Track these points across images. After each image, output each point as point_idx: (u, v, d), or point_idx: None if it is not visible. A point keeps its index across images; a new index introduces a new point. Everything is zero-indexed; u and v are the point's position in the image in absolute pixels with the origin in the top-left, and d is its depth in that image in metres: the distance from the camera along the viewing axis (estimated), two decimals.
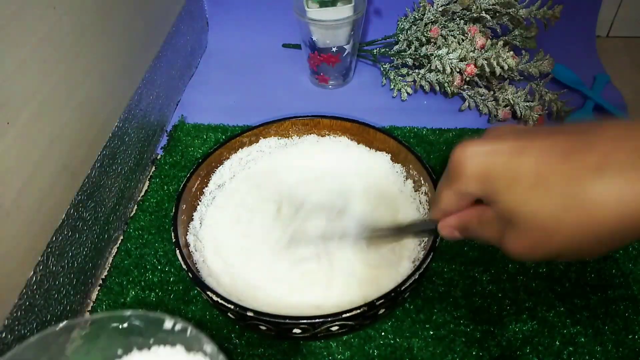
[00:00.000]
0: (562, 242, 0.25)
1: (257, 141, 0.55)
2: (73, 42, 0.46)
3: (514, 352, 0.44)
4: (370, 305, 0.38)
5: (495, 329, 0.46)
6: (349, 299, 0.44)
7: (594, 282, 0.48)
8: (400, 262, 0.47)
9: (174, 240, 0.44)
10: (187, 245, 0.47)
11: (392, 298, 0.39)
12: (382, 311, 0.40)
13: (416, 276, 0.40)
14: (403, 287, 0.39)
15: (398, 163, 0.53)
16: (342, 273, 0.46)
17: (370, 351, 0.45)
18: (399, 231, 0.44)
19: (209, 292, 0.39)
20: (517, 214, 0.26)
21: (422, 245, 0.46)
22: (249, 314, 0.38)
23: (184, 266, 0.42)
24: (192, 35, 0.76)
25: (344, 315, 0.38)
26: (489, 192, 0.28)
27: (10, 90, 0.38)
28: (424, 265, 0.40)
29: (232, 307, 0.38)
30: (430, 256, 0.41)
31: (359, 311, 0.38)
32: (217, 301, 0.39)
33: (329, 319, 0.38)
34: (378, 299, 0.38)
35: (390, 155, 0.54)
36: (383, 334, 0.46)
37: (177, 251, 0.43)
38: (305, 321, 0.38)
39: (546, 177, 0.25)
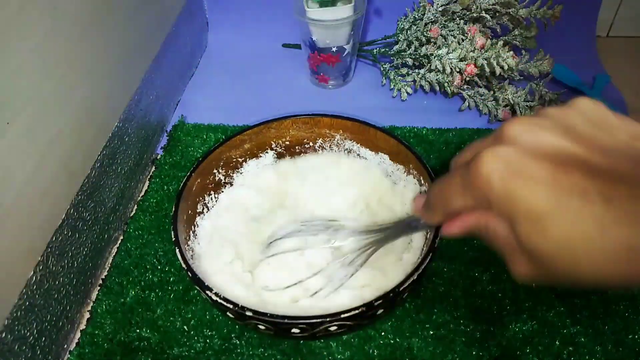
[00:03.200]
0: (571, 281, 0.23)
1: (257, 156, 0.56)
2: (73, 42, 0.46)
3: (514, 352, 0.44)
4: (369, 306, 0.38)
5: (495, 329, 0.46)
6: (348, 298, 0.44)
7: None
8: (399, 262, 0.47)
9: (174, 239, 0.44)
10: (187, 244, 0.47)
11: (391, 299, 0.39)
12: (380, 312, 0.40)
13: (414, 277, 0.40)
14: (401, 288, 0.39)
15: (398, 163, 0.53)
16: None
17: (370, 351, 0.45)
18: (392, 233, 0.42)
19: (208, 292, 0.39)
20: (535, 251, 0.23)
21: (424, 243, 0.46)
22: (248, 313, 0.38)
23: (184, 265, 0.42)
24: (192, 35, 0.76)
25: (342, 316, 0.38)
26: (509, 217, 0.24)
27: (10, 90, 0.38)
28: (423, 266, 0.40)
29: (232, 306, 0.38)
30: (429, 257, 0.41)
31: (357, 311, 0.38)
32: (217, 301, 0.39)
33: (328, 319, 0.38)
34: (376, 299, 0.38)
35: (389, 155, 0.54)
36: (383, 333, 0.46)
37: (177, 250, 0.43)
38: (303, 321, 0.38)
39: (582, 237, 0.22)
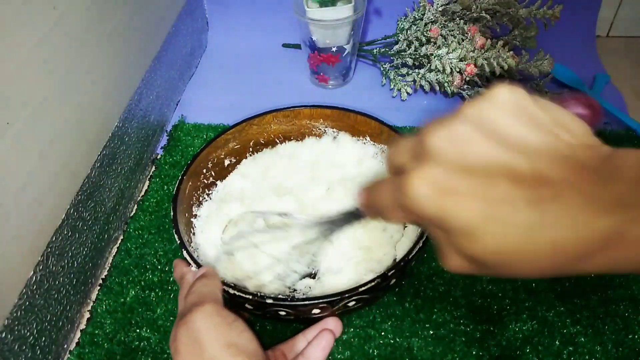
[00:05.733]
0: (503, 275, 0.24)
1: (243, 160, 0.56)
2: (73, 42, 0.46)
3: (514, 352, 0.44)
4: (383, 277, 0.40)
5: (495, 329, 0.46)
6: (345, 281, 0.46)
7: (594, 282, 0.48)
8: (391, 241, 0.48)
9: (178, 241, 0.43)
10: (190, 246, 0.46)
11: (402, 268, 0.41)
12: (393, 281, 0.42)
13: (420, 244, 0.41)
14: (410, 256, 0.41)
15: (381, 143, 0.54)
16: (336, 258, 0.48)
17: (370, 351, 0.45)
18: (340, 222, 0.41)
19: (225, 287, 0.40)
20: (471, 257, 0.24)
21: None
22: (269, 301, 0.39)
23: (195, 267, 0.42)
24: (192, 35, 0.76)
25: (360, 289, 0.39)
26: (444, 231, 0.24)
27: (10, 90, 0.38)
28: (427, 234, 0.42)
29: (251, 297, 0.39)
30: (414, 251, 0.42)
31: (373, 284, 0.40)
32: (235, 294, 0.40)
33: (347, 295, 0.39)
34: (389, 269, 0.40)
35: (370, 136, 0.55)
36: (383, 333, 0.46)
37: (185, 252, 0.42)
38: (323, 300, 0.39)
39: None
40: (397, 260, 0.42)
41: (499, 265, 0.23)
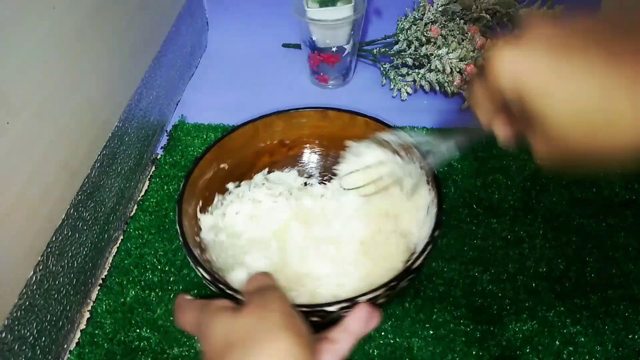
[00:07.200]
0: (584, 156, 0.24)
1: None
2: (73, 42, 0.46)
3: (514, 352, 0.44)
4: (401, 275, 0.39)
5: (495, 329, 0.46)
6: (356, 287, 0.44)
7: (594, 282, 0.48)
8: (396, 252, 0.47)
9: (187, 254, 0.42)
10: (197, 245, 0.46)
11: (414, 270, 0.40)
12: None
13: (429, 249, 0.40)
14: (415, 266, 0.40)
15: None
16: (343, 265, 0.47)
17: (370, 351, 0.45)
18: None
19: (239, 297, 0.38)
20: (548, 124, 0.24)
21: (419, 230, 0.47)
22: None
23: (208, 277, 0.40)
24: (192, 35, 0.76)
25: (381, 290, 0.38)
26: (519, 99, 0.25)
27: (10, 90, 0.38)
28: (435, 235, 0.41)
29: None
30: (437, 231, 0.42)
31: (391, 285, 0.38)
32: None
33: (375, 293, 0.37)
34: (404, 271, 0.39)
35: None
36: (383, 333, 0.46)
37: (200, 269, 0.41)
38: (345, 303, 0.37)
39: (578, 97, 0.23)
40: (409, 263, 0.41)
41: (578, 133, 0.23)
